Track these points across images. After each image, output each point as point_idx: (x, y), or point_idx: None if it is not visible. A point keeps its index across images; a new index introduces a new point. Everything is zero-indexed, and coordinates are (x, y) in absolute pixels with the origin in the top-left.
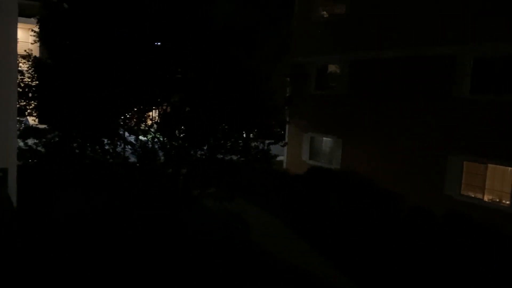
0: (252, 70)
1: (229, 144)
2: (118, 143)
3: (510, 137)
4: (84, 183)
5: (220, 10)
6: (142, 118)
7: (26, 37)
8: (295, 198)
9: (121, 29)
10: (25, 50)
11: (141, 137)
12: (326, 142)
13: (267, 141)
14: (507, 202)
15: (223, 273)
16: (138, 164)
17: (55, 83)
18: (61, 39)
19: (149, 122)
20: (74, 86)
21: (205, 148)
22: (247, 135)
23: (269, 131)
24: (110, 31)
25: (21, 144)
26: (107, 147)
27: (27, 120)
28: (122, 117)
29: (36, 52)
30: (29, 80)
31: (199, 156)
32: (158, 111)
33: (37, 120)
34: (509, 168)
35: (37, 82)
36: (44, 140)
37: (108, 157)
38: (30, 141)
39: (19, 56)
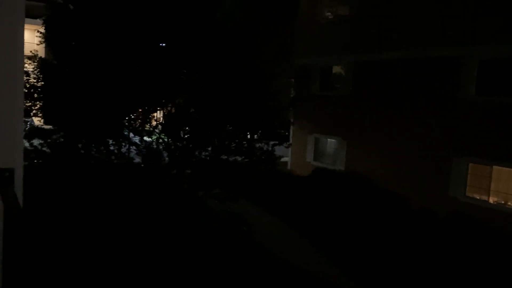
0: (257, 71)
1: (233, 145)
2: (123, 143)
3: None
4: (89, 183)
5: (224, 11)
6: (147, 119)
7: (31, 38)
8: (299, 200)
9: (125, 30)
10: (30, 51)
11: (145, 138)
12: (331, 143)
13: (271, 142)
14: None
15: (226, 273)
16: (142, 165)
17: (61, 84)
18: (66, 40)
19: (154, 123)
20: (79, 87)
21: (209, 149)
22: (252, 136)
23: (273, 132)
24: (115, 32)
25: (27, 144)
26: (112, 147)
27: (32, 120)
28: (127, 118)
29: (41, 53)
30: (35, 81)
31: (203, 157)
32: (163, 112)
33: (42, 120)
34: None
35: (42, 83)
36: (49, 140)
37: (113, 157)
38: (36, 142)
39: (25, 57)
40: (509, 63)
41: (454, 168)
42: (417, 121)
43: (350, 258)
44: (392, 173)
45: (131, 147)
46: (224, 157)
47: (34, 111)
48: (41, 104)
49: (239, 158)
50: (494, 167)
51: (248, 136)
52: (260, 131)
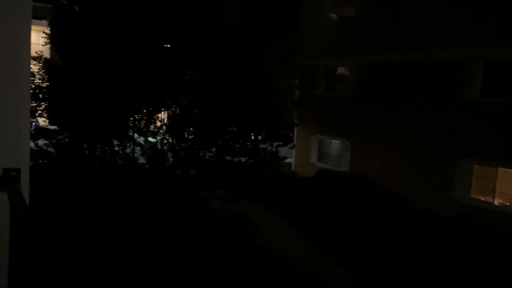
0: (261, 72)
1: (237, 146)
2: (128, 144)
3: None
4: (94, 184)
5: (228, 12)
6: (151, 119)
7: (37, 39)
8: (303, 201)
9: (129, 31)
10: (36, 52)
11: (150, 139)
12: (335, 144)
13: (275, 143)
14: None
15: (229, 273)
16: (147, 165)
17: (66, 84)
18: (71, 41)
19: (158, 124)
20: (84, 87)
21: (213, 149)
22: (256, 137)
23: (277, 133)
24: (119, 33)
25: (32, 145)
26: (116, 148)
27: (37, 121)
28: (132, 119)
29: (47, 53)
30: (40, 81)
31: (207, 157)
32: (167, 112)
33: (47, 121)
34: None
35: (47, 83)
36: (54, 141)
37: (118, 158)
38: (41, 142)
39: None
40: None
41: (458, 170)
42: (421, 122)
43: (354, 259)
44: (396, 174)
45: (135, 148)
46: (228, 158)
47: (39, 112)
48: (46, 104)
49: (243, 159)
50: (499, 168)
51: (252, 137)
52: (264, 132)
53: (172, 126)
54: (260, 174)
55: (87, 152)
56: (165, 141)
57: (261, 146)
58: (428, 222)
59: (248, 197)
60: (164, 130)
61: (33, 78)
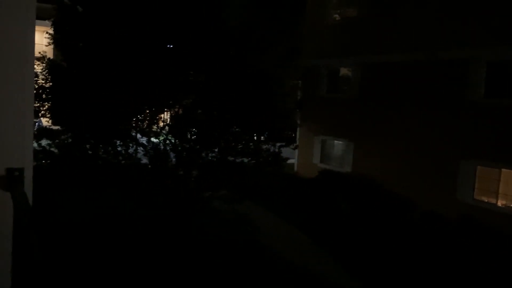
0: (264, 72)
1: (240, 146)
2: (130, 144)
3: None
4: (97, 184)
5: (232, 12)
6: (154, 120)
7: (40, 39)
8: (305, 201)
9: (132, 32)
10: (39, 52)
11: (153, 139)
12: (338, 145)
13: (278, 144)
14: None
15: (230, 273)
16: (150, 166)
17: (69, 84)
18: (75, 42)
19: (161, 124)
20: (87, 87)
21: (216, 150)
22: (258, 137)
23: (280, 134)
24: (122, 34)
25: (35, 145)
26: (119, 148)
27: (40, 121)
28: (135, 119)
29: (50, 54)
30: (43, 81)
31: (210, 158)
32: (170, 113)
33: (50, 121)
34: None
35: (51, 83)
36: (57, 141)
37: (120, 158)
38: (44, 142)
39: None
40: None
41: (461, 171)
42: (424, 123)
43: (358, 260)
44: (399, 175)
45: (138, 148)
46: (231, 158)
47: (42, 112)
48: (49, 104)
49: (245, 160)
50: (503, 170)
51: (255, 138)
52: (266, 133)
53: (174, 126)
54: (263, 174)
55: (90, 152)
56: (167, 141)
57: (264, 146)
58: (431, 223)
59: (251, 198)
60: (167, 130)
61: (36, 79)
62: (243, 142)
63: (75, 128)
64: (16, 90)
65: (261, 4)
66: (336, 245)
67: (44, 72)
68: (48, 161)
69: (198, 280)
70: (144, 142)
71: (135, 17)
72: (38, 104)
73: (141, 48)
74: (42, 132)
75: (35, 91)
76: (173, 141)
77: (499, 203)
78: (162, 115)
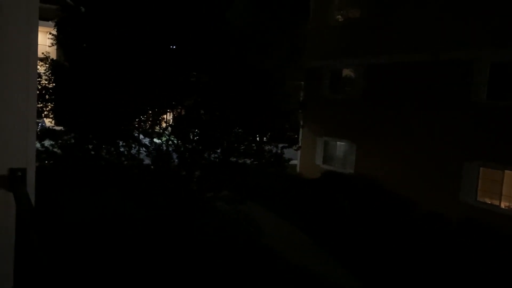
0: (266, 73)
1: (242, 147)
2: (133, 145)
3: None
4: (99, 184)
5: (234, 13)
6: (157, 120)
7: (43, 40)
8: (308, 202)
9: (135, 33)
10: (42, 53)
11: (155, 140)
12: (340, 146)
13: (280, 145)
14: None
15: (233, 273)
16: (152, 166)
17: (72, 85)
18: (78, 42)
19: (164, 125)
20: (90, 88)
21: (218, 151)
22: (261, 138)
23: (282, 135)
24: (125, 35)
25: (38, 145)
26: (122, 149)
27: (43, 121)
28: (137, 120)
29: (53, 54)
30: (46, 82)
31: (212, 159)
32: (173, 114)
33: (53, 122)
34: None
35: (54, 84)
36: (60, 141)
37: (123, 159)
38: (47, 143)
39: None
40: None
41: (465, 172)
42: (427, 124)
43: (360, 260)
44: (401, 176)
45: (141, 149)
46: (233, 159)
47: (45, 112)
48: (52, 105)
49: (248, 161)
50: (506, 171)
51: (257, 139)
52: (269, 134)
53: (177, 127)
54: (265, 175)
55: (93, 153)
56: (170, 142)
57: (266, 147)
58: (434, 224)
59: (253, 199)
60: (170, 131)
61: (39, 79)
62: (246, 143)
63: (78, 129)
64: (19, 90)
65: (264, 5)
66: (338, 246)
67: (47, 73)
68: (51, 162)
69: (199, 280)
70: (147, 142)
71: (137, 18)
72: (41, 105)
73: (143, 48)
74: (45, 133)
75: (38, 92)
76: (175, 141)
77: (502, 205)
78: (165, 116)
